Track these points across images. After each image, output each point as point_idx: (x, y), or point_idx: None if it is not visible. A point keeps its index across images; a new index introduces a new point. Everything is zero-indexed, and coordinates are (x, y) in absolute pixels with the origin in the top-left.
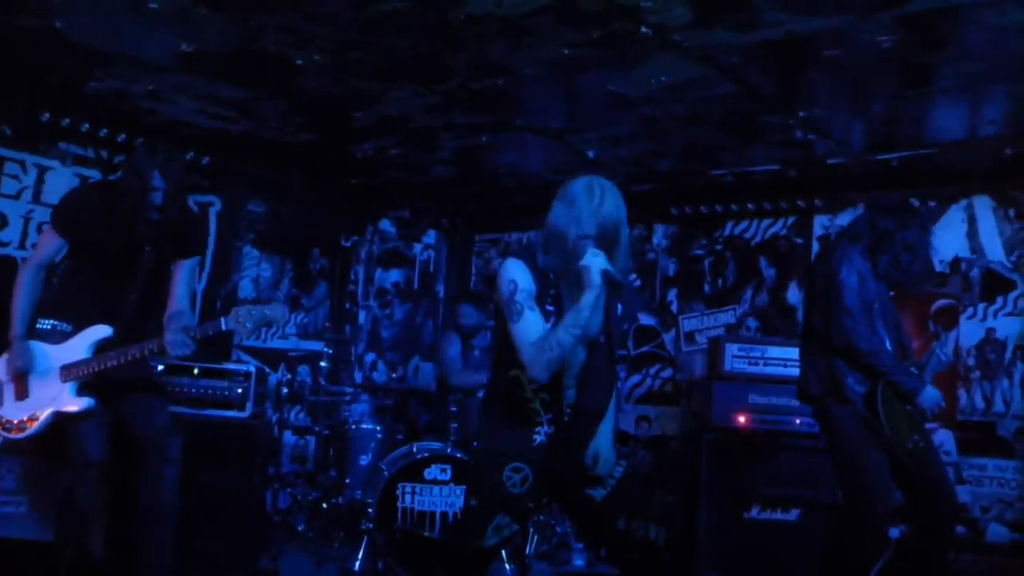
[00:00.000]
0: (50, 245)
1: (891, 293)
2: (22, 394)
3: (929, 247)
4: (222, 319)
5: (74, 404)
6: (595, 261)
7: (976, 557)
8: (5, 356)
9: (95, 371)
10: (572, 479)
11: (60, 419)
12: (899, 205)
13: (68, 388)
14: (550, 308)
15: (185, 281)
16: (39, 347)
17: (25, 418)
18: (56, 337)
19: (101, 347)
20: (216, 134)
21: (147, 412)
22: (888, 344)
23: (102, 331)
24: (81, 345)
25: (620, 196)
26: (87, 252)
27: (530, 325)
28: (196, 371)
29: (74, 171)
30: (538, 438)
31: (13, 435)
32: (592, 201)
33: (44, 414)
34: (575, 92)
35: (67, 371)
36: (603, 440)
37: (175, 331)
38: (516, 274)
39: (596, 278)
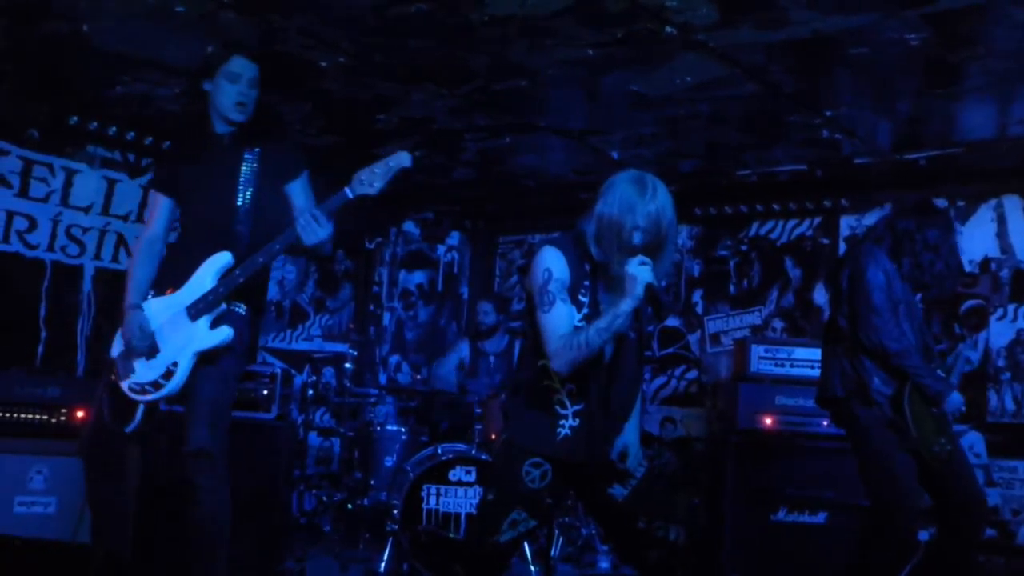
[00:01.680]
0: (157, 211)
1: (918, 296)
2: (152, 354)
3: (954, 247)
4: (346, 188)
5: (212, 338)
6: (642, 271)
7: (1007, 560)
8: (120, 330)
9: (223, 295)
10: (596, 474)
11: (204, 364)
12: (919, 205)
13: (201, 324)
14: (583, 299)
15: (303, 198)
16: (154, 303)
17: (161, 374)
18: (175, 286)
19: (226, 275)
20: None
21: (189, 422)
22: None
23: (222, 258)
24: (204, 277)
25: (669, 194)
26: (186, 200)
27: (560, 316)
28: None
29: (102, 174)
30: (563, 431)
31: (153, 395)
32: (645, 194)
33: (184, 360)
34: (598, 93)
35: (194, 308)
36: (631, 435)
37: (302, 216)
38: (551, 262)
39: (639, 290)
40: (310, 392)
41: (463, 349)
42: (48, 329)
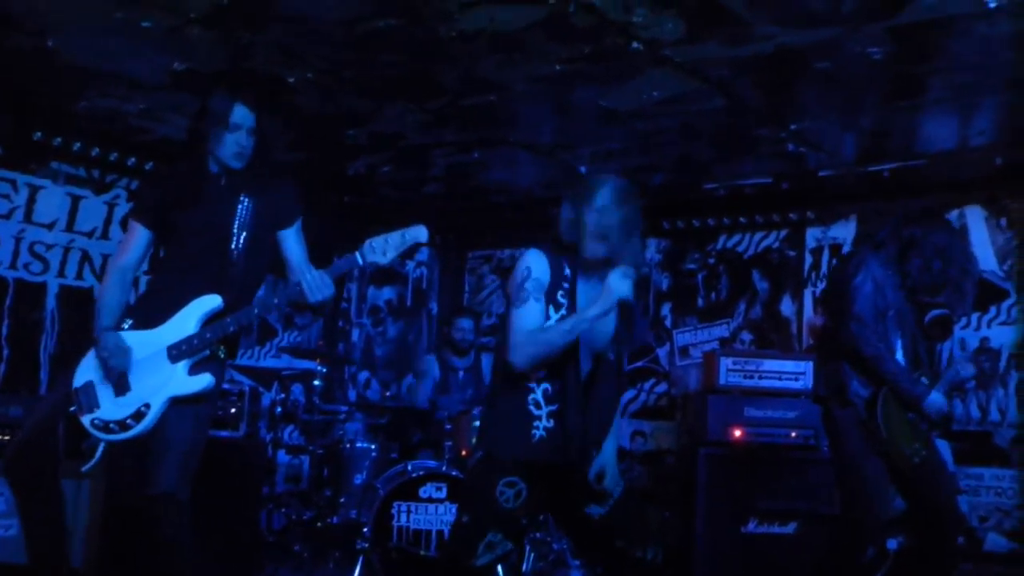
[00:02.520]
0: (135, 241)
1: (935, 304)
2: (122, 389)
3: (965, 254)
4: (356, 254)
5: (191, 384)
6: (620, 285)
7: (975, 566)
8: (91, 354)
9: (210, 342)
10: (572, 491)
11: (179, 405)
12: (925, 212)
13: (180, 368)
14: (562, 300)
15: (296, 247)
16: (131, 336)
17: (130, 414)
18: (155, 322)
19: (212, 319)
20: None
21: (155, 463)
22: (900, 353)
23: (212, 301)
24: (189, 319)
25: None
26: (173, 236)
27: (530, 312)
28: None
29: (66, 190)
30: (537, 432)
31: (118, 436)
32: (602, 202)
33: (157, 403)
34: (567, 107)
35: (176, 349)
36: (608, 456)
37: (310, 272)
38: (533, 262)
39: (611, 301)
40: (279, 410)
41: (434, 368)
42: (10, 347)
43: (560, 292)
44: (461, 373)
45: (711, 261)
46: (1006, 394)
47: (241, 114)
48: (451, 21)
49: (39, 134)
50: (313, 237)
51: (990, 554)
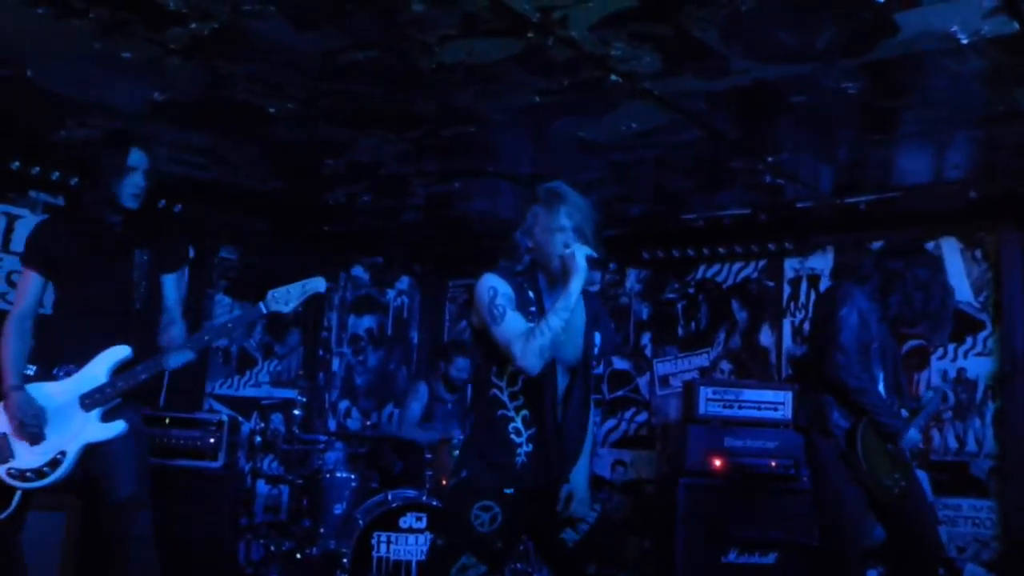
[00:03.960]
0: (30, 288)
1: (913, 335)
2: (35, 439)
3: (944, 288)
4: (260, 304)
5: (105, 431)
6: (579, 248)
7: None
8: (5, 411)
9: (122, 391)
10: (548, 517)
11: (91, 452)
12: (909, 245)
13: (93, 416)
14: (533, 317)
15: (174, 292)
16: (42, 387)
17: (46, 462)
18: (62, 374)
19: (121, 368)
20: (187, 182)
21: (112, 477)
22: (881, 385)
23: (121, 351)
24: (99, 369)
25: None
26: (73, 282)
27: (514, 322)
28: (167, 420)
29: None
30: (520, 459)
31: (35, 483)
32: (571, 201)
33: (72, 451)
34: (545, 139)
35: (88, 399)
36: (578, 480)
37: (174, 337)
38: (494, 282)
39: (581, 261)
40: (258, 439)
41: (423, 394)
42: None
43: (530, 311)
44: (449, 404)
45: (691, 291)
46: (983, 424)
47: (136, 157)
48: (430, 54)
49: (17, 163)
50: (292, 266)
51: None
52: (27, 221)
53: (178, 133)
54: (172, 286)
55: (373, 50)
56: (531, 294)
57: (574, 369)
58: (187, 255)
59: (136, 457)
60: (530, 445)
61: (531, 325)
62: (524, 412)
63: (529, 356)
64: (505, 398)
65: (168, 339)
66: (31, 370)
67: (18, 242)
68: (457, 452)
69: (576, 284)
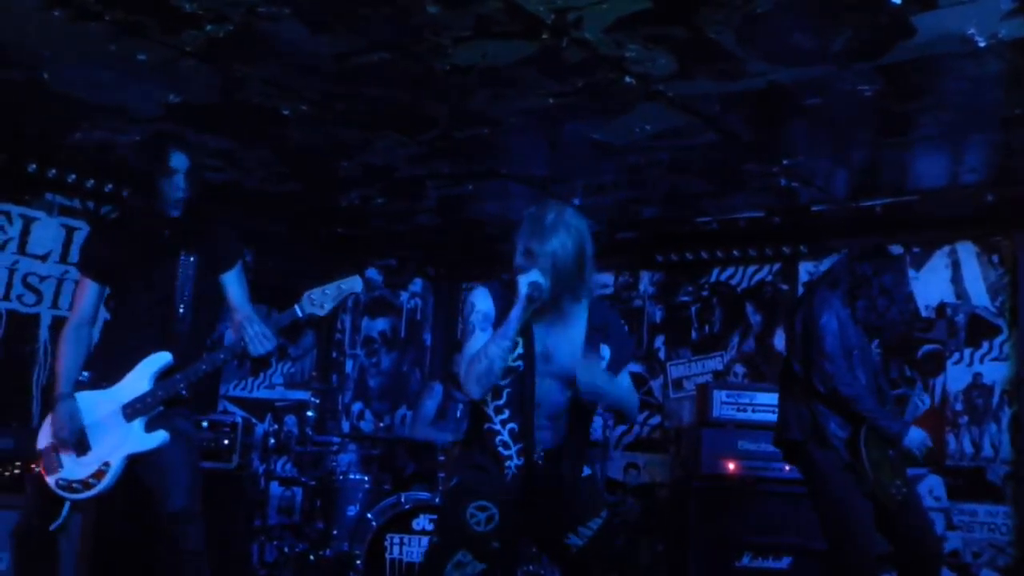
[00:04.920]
0: (87, 296)
1: (875, 341)
2: (82, 450)
3: (908, 292)
4: (296, 307)
5: (147, 442)
6: (522, 277)
7: None
8: (49, 419)
9: (162, 400)
10: (548, 522)
11: (140, 462)
12: (876, 249)
13: (136, 426)
14: (518, 337)
15: (238, 289)
16: (89, 396)
17: (92, 473)
18: (108, 382)
19: (163, 375)
20: (202, 184)
21: (164, 488)
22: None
23: (161, 359)
24: (142, 377)
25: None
26: (123, 288)
27: (474, 343)
28: None
29: (60, 221)
30: (509, 472)
31: (82, 495)
32: (529, 224)
33: (116, 462)
34: (559, 141)
35: (130, 408)
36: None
37: (254, 325)
38: (476, 297)
39: (523, 288)
40: (272, 441)
41: (438, 393)
42: (2, 379)
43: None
44: (461, 405)
45: (704, 294)
46: (999, 430)
47: (178, 159)
48: (444, 56)
49: (33, 166)
50: (307, 268)
51: None
52: (43, 223)
53: (193, 136)
54: (234, 283)
55: (387, 52)
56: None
57: (573, 382)
58: (242, 251)
59: (188, 466)
60: (520, 459)
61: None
62: (511, 425)
63: (470, 381)
64: (490, 411)
65: (251, 334)
66: (85, 376)
67: (34, 244)
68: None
69: (516, 311)
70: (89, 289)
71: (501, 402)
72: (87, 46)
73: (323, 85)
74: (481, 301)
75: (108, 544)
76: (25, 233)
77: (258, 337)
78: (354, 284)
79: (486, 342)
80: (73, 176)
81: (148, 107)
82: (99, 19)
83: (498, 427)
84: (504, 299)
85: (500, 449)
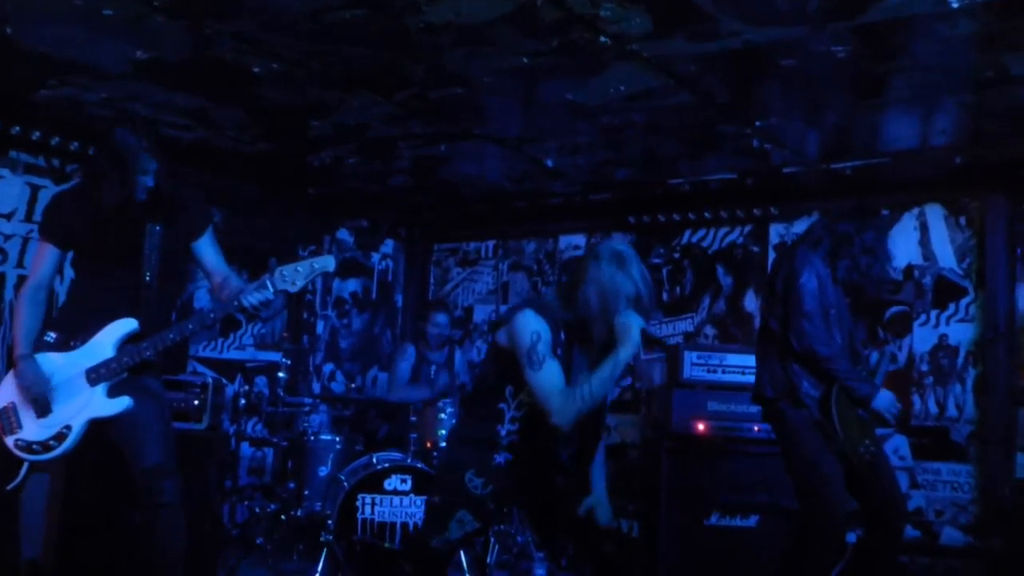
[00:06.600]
0: (46, 260)
1: (847, 299)
2: (43, 411)
3: (886, 251)
4: (267, 280)
5: (109, 407)
6: (635, 319)
7: (931, 560)
8: (10, 377)
9: (128, 366)
10: (542, 499)
11: (96, 427)
12: (857, 209)
13: (99, 391)
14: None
15: (212, 254)
16: (52, 357)
17: (52, 435)
18: (73, 344)
19: (128, 341)
20: (172, 143)
21: (136, 445)
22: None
23: (127, 324)
24: (106, 343)
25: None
26: (87, 254)
27: (554, 374)
28: None
29: (25, 179)
30: (498, 459)
31: (41, 456)
32: (640, 267)
33: (77, 425)
34: (534, 101)
35: (94, 373)
36: (599, 489)
37: (236, 277)
38: (538, 324)
39: (636, 335)
40: (242, 402)
41: (411, 354)
42: None
43: (557, 352)
44: (434, 366)
45: (676, 256)
46: (963, 390)
47: (146, 162)
48: (418, 13)
49: None
50: (278, 229)
51: (946, 548)
52: (7, 181)
53: (163, 94)
54: (207, 249)
55: (360, 9)
56: (562, 335)
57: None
58: (211, 216)
59: (160, 421)
60: (509, 453)
61: (563, 380)
62: (514, 437)
63: (566, 416)
64: (506, 418)
65: (230, 292)
66: (51, 337)
67: None
68: (442, 416)
69: (626, 354)
70: (49, 254)
71: (520, 414)
72: (53, 1)
73: (296, 43)
74: (544, 330)
75: (77, 509)
76: None
77: (250, 289)
78: (327, 263)
79: (590, 382)
80: (38, 134)
81: (116, 64)
82: None
83: (503, 432)
84: (555, 326)
85: (501, 446)
